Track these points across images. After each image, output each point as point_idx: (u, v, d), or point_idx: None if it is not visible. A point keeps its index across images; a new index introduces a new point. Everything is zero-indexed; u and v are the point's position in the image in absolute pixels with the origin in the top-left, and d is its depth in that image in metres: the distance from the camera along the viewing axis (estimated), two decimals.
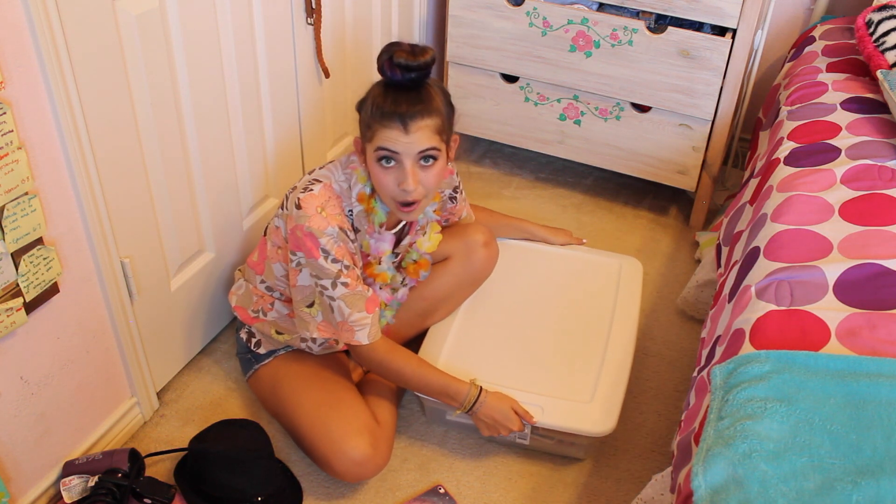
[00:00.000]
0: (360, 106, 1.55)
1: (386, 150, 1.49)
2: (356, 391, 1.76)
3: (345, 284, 1.56)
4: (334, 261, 1.55)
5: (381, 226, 1.65)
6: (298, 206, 1.55)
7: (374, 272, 1.68)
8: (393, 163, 1.50)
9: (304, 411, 1.69)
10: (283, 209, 1.63)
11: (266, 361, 1.79)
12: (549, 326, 1.93)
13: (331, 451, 1.63)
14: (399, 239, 1.75)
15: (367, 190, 1.61)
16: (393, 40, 1.60)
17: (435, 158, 1.52)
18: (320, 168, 1.65)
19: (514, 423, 1.67)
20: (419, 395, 1.73)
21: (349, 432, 1.64)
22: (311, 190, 1.57)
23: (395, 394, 1.84)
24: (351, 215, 1.62)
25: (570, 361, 1.83)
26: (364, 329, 1.60)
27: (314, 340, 1.75)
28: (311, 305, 1.64)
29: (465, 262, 1.89)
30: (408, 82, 1.48)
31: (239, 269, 1.89)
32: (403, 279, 1.80)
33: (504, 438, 1.78)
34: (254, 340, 1.81)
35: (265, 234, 1.74)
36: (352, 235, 1.60)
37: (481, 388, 1.68)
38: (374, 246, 1.65)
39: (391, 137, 1.47)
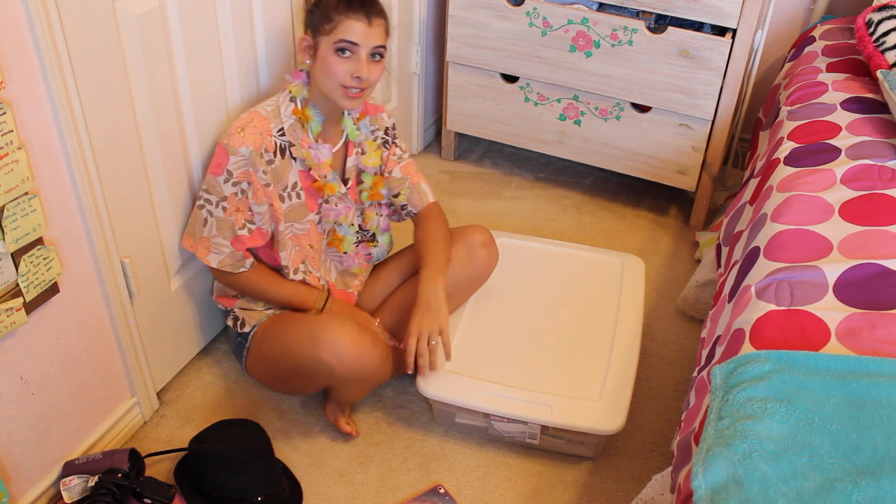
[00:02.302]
0: (318, 2, 1.63)
1: (346, 42, 1.59)
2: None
3: (224, 210, 1.66)
4: (234, 184, 1.63)
5: (317, 139, 1.72)
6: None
7: (321, 185, 1.74)
8: (348, 54, 1.61)
9: (292, 331, 1.70)
10: None
11: (252, 332, 1.81)
12: (554, 325, 1.93)
13: (317, 338, 1.63)
14: (343, 161, 1.81)
15: (300, 103, 1.69)
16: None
17: (382, 56, 1.65)
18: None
19: (360, 314, 1.83)
20: (428, 397, 1.74)
21: (334, 319, 1.67)
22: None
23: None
24: (283, 134, 1.67)
25: (576, 360, 1.84)
26: (219, 256, 1.70)
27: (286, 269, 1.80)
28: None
29: (465, 263, 1.90)
30: None
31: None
32: (377, 223, 1.89)
33: (514, 438, 1.78)
34: (238, 322, 1.83)
35: None
36: (270, 157, 1.65)
37: (329, 292, 1.83)
38: (313, 155, 1.71)
39: (355, 29, 1.59)
